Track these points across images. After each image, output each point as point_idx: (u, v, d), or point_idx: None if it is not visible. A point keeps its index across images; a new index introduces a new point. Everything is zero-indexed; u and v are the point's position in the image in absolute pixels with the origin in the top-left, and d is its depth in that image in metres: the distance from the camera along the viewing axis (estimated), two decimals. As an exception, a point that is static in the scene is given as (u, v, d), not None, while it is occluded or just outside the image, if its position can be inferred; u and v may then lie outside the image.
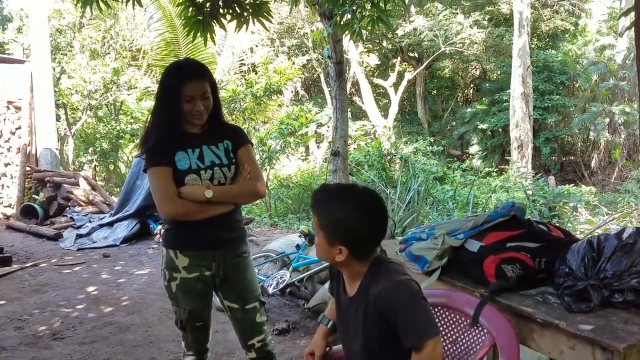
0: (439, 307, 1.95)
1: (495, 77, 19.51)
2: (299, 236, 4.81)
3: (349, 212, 1.58)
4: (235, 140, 2.24)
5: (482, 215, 2.10)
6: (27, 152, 9.71)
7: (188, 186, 2.10)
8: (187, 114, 2.11)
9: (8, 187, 9.78)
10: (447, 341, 1.87)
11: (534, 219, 2.21)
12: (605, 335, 1.49)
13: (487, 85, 18.89)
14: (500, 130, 16.95)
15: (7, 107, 9.81)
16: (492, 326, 1.74)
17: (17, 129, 9.78)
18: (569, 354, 1.61)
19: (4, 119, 9.85)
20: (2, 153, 9.88)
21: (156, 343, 3.70)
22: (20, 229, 8.14)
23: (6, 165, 9.82)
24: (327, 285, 4.07)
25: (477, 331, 1.79)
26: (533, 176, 11.69)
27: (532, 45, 17.16)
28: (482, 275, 1.93)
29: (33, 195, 9.31)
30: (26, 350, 3.60)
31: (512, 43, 15.41)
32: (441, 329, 1.88)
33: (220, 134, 2.23)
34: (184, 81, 2.06)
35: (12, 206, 9.57)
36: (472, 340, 1.81)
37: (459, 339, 1.84)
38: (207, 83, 2.13)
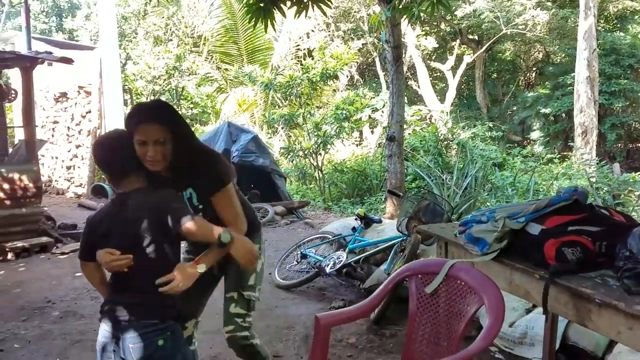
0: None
1: (559, 60, 18.75)
2: (355, 219, 4.90)
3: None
4: (202, 189, 2.13)
5: (544, 200, 2.11)
6: (97, 135, 10.23)
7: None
8: (141, 158, 1.95)
9: (79, 167, 10.37)
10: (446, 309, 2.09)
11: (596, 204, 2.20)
12: (665, 318, 1.50)
13: (551, 68, 18.19)
14: (563, 115, 16.31)
15: (78, 91, 10.36)
16: (480, 288, 1.92)
17: (87, 112, 10.29)
18: (626, 334, 1.63)
19: (75, 103, 10.42)
20: (73, 135, 10.47)
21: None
22: (91, 207, 8.62)
23: (77, 147, 10.40)
24: (382, 267, 4.16)
25: (468, 293, 1.99)
26: (597, 163, 11.25)
27: (599, 28, 16.35)
28: (542, 258, 1.94)
29: (102, 176, 9.82)
30: (102, 318, 3.87)
31: (577, 25, 14.74)
32: (439, 294, 2.11)
33: (184, 181, 2.12)
34: (137, 124, 1.94)
35: (83, 186, 10.15)
36: (464, 302, 2.01)
37: (455, 300, 2.05)
38: (163, 127, 1.95)
